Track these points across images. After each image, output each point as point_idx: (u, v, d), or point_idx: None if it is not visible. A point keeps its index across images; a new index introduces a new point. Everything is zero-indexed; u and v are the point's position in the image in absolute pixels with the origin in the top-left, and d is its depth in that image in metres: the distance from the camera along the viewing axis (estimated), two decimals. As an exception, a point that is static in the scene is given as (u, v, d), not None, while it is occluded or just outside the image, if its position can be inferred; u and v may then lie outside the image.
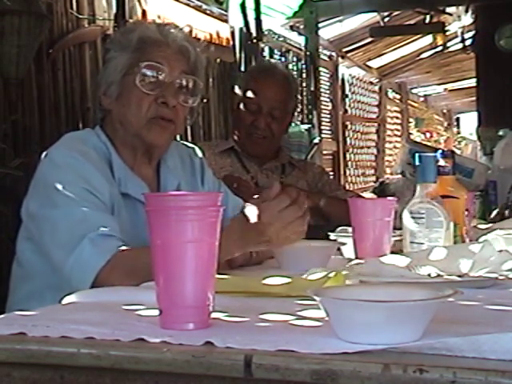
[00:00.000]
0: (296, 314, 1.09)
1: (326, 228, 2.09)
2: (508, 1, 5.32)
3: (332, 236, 1.98)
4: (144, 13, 3.64)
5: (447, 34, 7.31)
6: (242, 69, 4.72)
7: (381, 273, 1.40)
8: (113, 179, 1.77)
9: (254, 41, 4.86)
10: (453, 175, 1.80)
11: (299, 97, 5.66)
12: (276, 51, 6.10)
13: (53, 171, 1.71)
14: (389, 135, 10.86)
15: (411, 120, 12.33)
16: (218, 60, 4.51)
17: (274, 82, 2.75)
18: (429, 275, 1.42)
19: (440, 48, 8.34)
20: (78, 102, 3.19)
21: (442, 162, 1.76)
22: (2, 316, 1.14)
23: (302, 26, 6.23)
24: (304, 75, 6.14)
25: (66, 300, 1.29)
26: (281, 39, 6.34)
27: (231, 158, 2.80)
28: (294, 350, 0.88)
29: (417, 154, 1.69)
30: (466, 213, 1.79)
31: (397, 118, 11.54)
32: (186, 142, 2.19)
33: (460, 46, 7.46)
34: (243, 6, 4.68)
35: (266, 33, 5.52)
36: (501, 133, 4.69)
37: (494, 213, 2.86)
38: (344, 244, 1.81)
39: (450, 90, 12.53)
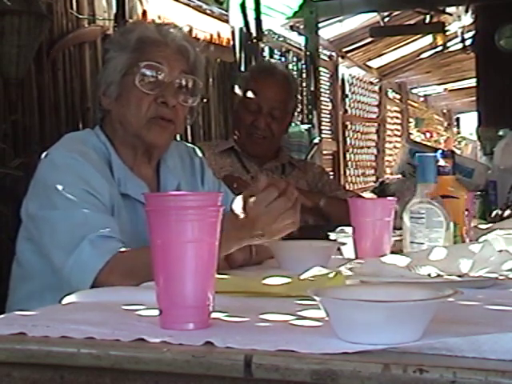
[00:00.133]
0: (296, 314, 1.09)
1: (326, 228, 2.09)
2: (508, 1, 5.32)
3: (332, 236, 1.98)
4: (144, 13, 3.64)
5: (447, 34, 7.31)
6: (242, 69, 4.71)
7: (381, 273, 1.40)
8: (112, 179, 1.77)
9: (254, 41, 4.86)
10: (453, 175, 1.80)
11: (299, 97, 5.66)
12: (276, 51, 6.10)
13: (52, 172, 1.71)
14: (389, 135, 10.86)
15: (411, 120, 12.33)
16: (218, 60, 4.51)
17: (273, 82, 2.75)
18: (429, 275, 1.42)
19: (440, 48, 8.34)
20: (78, 101, 3.19)
21: (442, 162, 1.76)
22: (2, 316, 1.14)
23: (302, 26, 6.23)
24: (304, 75, 6.14)
25: (65, 300, 1.29)
26: (281, 39, 6.34)
27: (231, 157, 2.80)
28: (294, 349, 0.88)
29: (417, 154, 1.69)
30: (466, 213, 1.79)
31: (397, 117, 11.54)
32: (185, 142, 2.20)
33: (460, 46, 7.46)
34: (243, 6, 4.68)
35: (266, 33, 5.52)
36: (501, 133, 4.69)
37: (494, 213, 2.86)
38: (344, 244, 1.81)
39: (450, 90, 12.53)
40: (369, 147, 9.90)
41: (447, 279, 1.39)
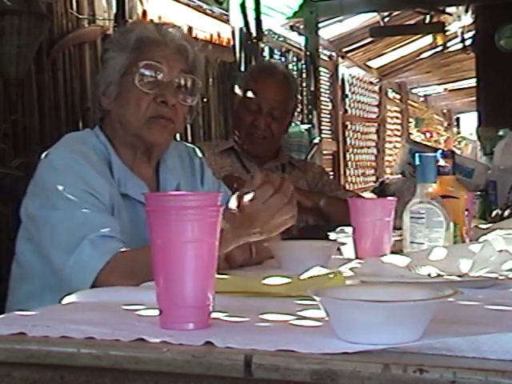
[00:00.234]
0: (296, 314, 1.09)
1: (326, 228, 2.09)
2: (508, 1, 5.32)
3: (332, 236, 1.98)
4: (144, 13, 3.64)
5: (447, 33, 7.31)
6: (242, 69, 4.71)
7: (381, 273, 1.40)
8: (112, 180, 1.77)
9: (254, 41, 4.86)
10: (453, 175, 1.80)
11: (299, 97, 5.66)
12: (276, 51, 6.09)
13: (52, 173, 1.71)
14: (389, 135, 10.86)
15: (411, 120, 12.33)
16: (218, 60, 4.51)
17: (273, 82, 2.75)
18: (429, 275, 1.42)
19: (440, 48, 8.34)
20: (78, 102, 3.19)
21: (442, 162, 1.76)
22: (2, 316, 1.14)
23: (302, 26, 6.23)
24: (304, 75, 6.14)
25: (65, 300, 1.29)
26: (281, 39, 6.34)
27: (231, 157, 2.80)
28: (294, 349, 0.88)
29: (417, 154, 1.69)
30: (466, 213, 1.79)
31: (397, 117, 11.54)
32: (185, 142, 2.20)
33: (460, 46, 7.46)
34: (243, 6, 4.68)
35: (266, 33, 5.52)
36: (501, 133, 4.69)
37: (494, 213, 2.86)
38: (344, 244, 1.81)
39: (450, 90, 12.53)
40: (369, 147, 9.90)
41: (447, 279, 1.39)
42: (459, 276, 1.41)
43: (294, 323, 1.04)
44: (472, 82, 7.66)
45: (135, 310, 1.14)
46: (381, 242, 1.68)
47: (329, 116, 7.93)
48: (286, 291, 1.28)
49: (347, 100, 8.75)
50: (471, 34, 6.68)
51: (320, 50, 6.57)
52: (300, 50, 6.38)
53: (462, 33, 6.97)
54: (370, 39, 8.00)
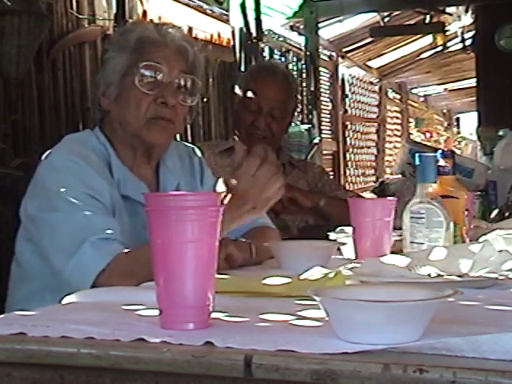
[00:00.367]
0: (296, 314, 1.09)
1: (326, 228, 2.09)
2: (508, 1, 5.32)
3: (332, 236, 1.98)
4: (144, 13, 3.64)
5: (447, 33, 7.31)
6: (242, 69, 4.72)
7: (381, 273, 1.40)
8: (112, 181, 1.77)
9: (254, 41, 4.86)
10: (453, 175, 1.80)
11: (299, 97, 5.66)
12: (276, 51, 6.10)
13: (51, 174, 1.71)
14: (389, 135, 10.86)
15: (411, 120, 12.33)
16: (218, 60, 4.51)
17: (273, 82, 2.75)
18: (429, 275, 1.42)
19: (440, 48, 8.34)
20: (78, 102, 3.19)
21: (442, 162, 1.76)
22: (2, 316, 1.14)
23: (302, 26, 6.23)
24: (304, 75, 6.14)
25: (65, 300, 1.29)
26: (281, 39, 6.34)
27: (231, 157, 2.80)
28: (294, 349, 0.88)
29: (417, 154, 1.69)
30: (466, 213, 1.79)
31: (397, 118, 11.54)
32: (185, 142, 2.20)
33: (460, 46, 7.46)
34: (243, 6, 4.68)
35: (266, 33, 5.52)
36: (501, 133, 4.69)
37: (494, 213, 2.86)
38: (344, 244, 1.81)
39: (450, 90, 12.53)
40: (369, 147, 9.89)
41: (447, 279, 1.39)
42: (459, 276, 1.41)
43: (294, 323, 1.04)
44: (472, 82, 7.66)
45: (135, 310, 1.14)
46: (381, 242, 1.68)
47: (329, 116, 7.93)
48: (286, 291, 1.28)
49: (347, 100, 8.75)
50: (471, 34, 6.68)
51: (320, 50, 6.57)
52: (300, 49, 6.38)
53: (462, 33, 6.97)
54: (370, 39, 8.00)
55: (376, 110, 10.25)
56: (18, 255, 1.81)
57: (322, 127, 6.91)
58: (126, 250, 1.58)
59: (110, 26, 3.37)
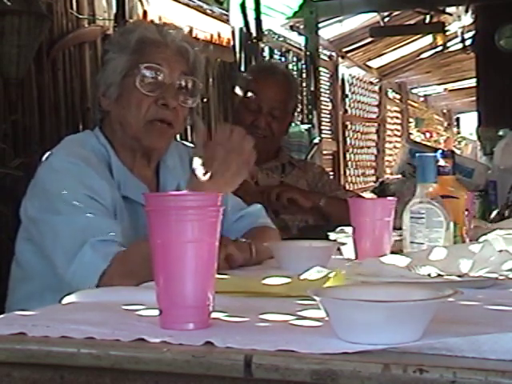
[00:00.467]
0: (296, 314, 1.09)
1: (326, 228, 2.09)
2: (508, 1, 5.32)
3: (332, 236, 1.98)
4: (145, 13, 3.64)
5: (447, 33, 7.31)
6: (242, 69, 4.72)
7: (381, 273, 1.40)
8: (113, 181, 1.77)
9: (254, 41, 4.86)
10: (453, 175, 1.80)
11: (299, 97, 5.66)
12: (276, 51, 6.09)
13: (52, 175, 1.71)
14: (389, 135, 10.86)
15: (411, 120, 12.33)
16: (218, 60, 4.51)
17: (274, 82, 2.75)
18: (429, 275, 1.42)
19: (440, 48, 8.34)
20: (78, 102, 3.18)
21: (442, 162, 1.76)
22: (2, 316, 1.14)
23: (302, 26, 6.23)
24: (304, 75, 6.14)
25: (65, 300, 1.29)
26: (281, 39, 6.34)
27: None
28: (294, 349, 0.88)
29: (417, 154, 1.69)
30: (466, 213, 1.79)
31: (397, 118, 11.53)
32: (185, 142, 2.19)
33: (460, 46, 7.46)
34: (243, 6, 4.68)
35: (266, 33, 5.52)
36: (501, 133, 4.70)
37: (494, 213, 2.86)
38: (344, 244, 1.81)
39: (450, 90, 12.53)
40: (369, 147, 9.89)
41: (447, 279, 1.39)
42: (459, 276, 1.41)
43: (294, 323, 1.04)
44: (472, 82, 7.66)
45: (135, 310, 1.14)
46: (381, 242, 1.68)
47: (329, 116, 7.92)
48: (286, 291, 1.28)
49: (347, 100, 8.75)
50: (471, 34, 6.68)
51: (320, 50, 6.57)
52: (300, 49, 6.38)
53: (462, 33, 6.97)
54: (370, 39, 8.00)
55: (376, 109, 10.25)
56: (18, 255, 1.81)
57: (322, 127, 6.91)
58: (123, 249, 1.57)
59: (109, 26, 3.37)
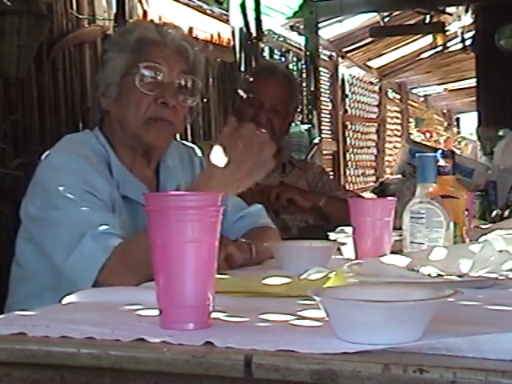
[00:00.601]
0: (296, 313, 1.09)
1: (326, 228, 2.09)
2: (508, 1, 5.32)
3: (332, 236, 1.98)
4: (145, 13, 3.64)
5: (447, 33, 7.31)
6: (242, 69, 4.72)
7: (381, 273, 1.40)
8: (112, 181, 1.77)
9: (254, 41, 4.86)
10: (453, 175, 1.79)
11: (300, 97, 5.66)
12: (276, 51, 6.10)
13: (51, 174, 1.71)
14: (389, 135, 10.86)
15: (411, 120, 12.33)
16: (218, 60, 4.51)
17: (276, 81, 2.76)
18: (429, 275, 1.42)
19: (440, 48, 8.34)
20: (78, 102, 3.19)
21: (442, 162, 1.75)
22: (2, 316, 1.14)
23: (302, 26, 6.23)
24: (304, 75, 6.14)
25: (65, 300, 1.29)
26: (281, 39, 6.34)
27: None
28: (294, 349, 0.88)
29: (417, 154, 1.69)
30: (466, 213, 1.79)
31: (397, 118, 11.54)
32: (185, 142, 2.19)
33: (460, 46, 7.46)
34: (243, 6, 4.68)
35: (266, 33, 5.52)
36: (501, 133, 4.70)
37: (494, 213, 2.86)
38: (344, 244, 1.81)
39: (450, 90, 12.54)
40: (369, 147, 9.90)
41: (447, 279, 1.39)
42: (459, 276, 1.41)
43: (294, 323, 1.04)
44: (472, 82, 7.66)
45: (135, 310, 1.14)
46: (381, 242, 1.68)
47: (329, 116, 7.93)
48: (286, 291, 1.28)
49: (347, 100, 8.75)
50: (471, 33, 6.68)
51: (320, 50, 6.57)
52: (300, 49, 6.38)
53: (462, 33, 6.97)
54: (370, 39, 8.01)
55: (376, 109, 10.25)
56: (18, 256, 1.81)
57: (322, 127, 6.92)
58: (122, 242, 1.57)
59: (109, 26, 3.38)
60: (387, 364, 0.82)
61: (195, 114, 1.93)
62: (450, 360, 0.84)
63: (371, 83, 10.01)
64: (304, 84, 6.10)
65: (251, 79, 2.82)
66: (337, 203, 2.65)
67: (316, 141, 4.70)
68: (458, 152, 8.77)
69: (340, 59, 8.41)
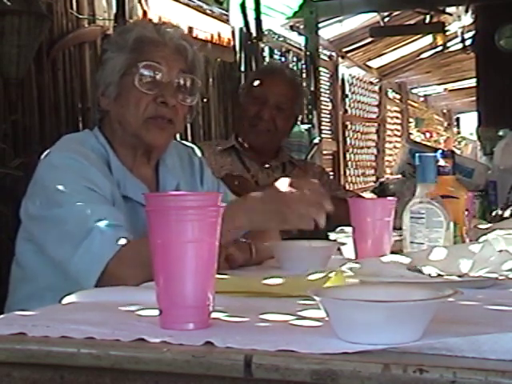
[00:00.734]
0: (296, 313, 1.09)
1: (326, 228, 2.09)
2: (508, 1, 5.32)
3: (332, 236, 1.98)
4: (144, 13, 3.64)
5: (447, 33, 7.31)
6: (242, 69, 4.72)
7: (381, 273, 1.40)
8: (112, 179, 1.77)
9: (254, 41, 4.86)
10: (453, 175, 1.80)
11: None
12: (276, 51, 6.09)
13: (51, 172, 1.70)
14: (389, 135, 10.86)
15: (411, 120, 12.33)
16: (218, 60, 4.51)
17: (282, 80, 2.78)
18: (429, 275, 1.42)
19: (440, 48, 8.34)
20: (78, 102, 3.19)
21: (442, 162, 1.76)
22: (2, 316, 1.14)
23: (302, 26, 6.23)
24: (304, 75, 6.14)
25: (65, 300, 1.29)
26: (281, 39, 6.34)
27: (231, 156, 2.80)
28: (294, 350, 0.88)
29: (417, 154, 1.69)
30: (466, 213, 1.79)
31: (397, 118, 11.53)
32: (184, 142, 2.19)
33: (460, 46, 7.46)
34: (243, 6, 4.68)
35: (266, 33, 5.52)
36: (501, 133, 4.70)
37: (494, 213, 2.86)
38: (344, 244, 1.81)
39: (450, 90, 12.53)
40: (369, 147, 9.89)
41: (447, 279, 1.39)
42: (459, 276, 1.41)
43: (294, 323, 1.04)
44: (472, 82, 7.66)
45: (135, 310, 1.14)
46: (381, 241, 1.68)
47: (329, 116, 7.93)
48: (286, 291, 1.28)
49: (347, 100, 8.75)
50: (471, 34, 6.68)
51: (320, 50, 6.57)
52: (300, 49, 6.38)
53: (462, 33, 6.97)
54: (370, 39, 8.00)
55: (376, 109, 10.25)
56: (18, 256, 1.81)
57: (322, 127, 6.91)
58: (131, 236, 1.58)
59: (109, 25, 3.38)
60: (387, 364, 0.82)
61: (195, 113, 1.93)
62: (450, 360, 0.84)
63: (371, 83, 10.01)
64: (304, 84, 6.09)
65: (259, 75, 2.84)
66: (337, 203, 2.65)
67: (316, 141, 4.70)
68: (458, 152, 8.77)
69: (340, 59, 8.41)
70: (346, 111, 8.69)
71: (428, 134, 12.57)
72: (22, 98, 2.86)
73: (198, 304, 1.03)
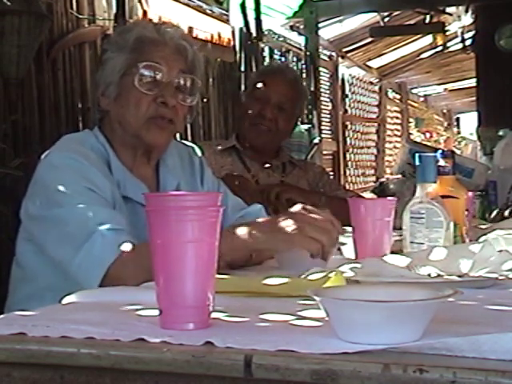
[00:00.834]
0: (296, 313, 1.09)
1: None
2: (508, 1, 5.32)
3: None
4: (145, 13, 3.64)
5: (447, 33, 7.31)
6: (242, 69, 4.72)
7: (381, 273, 1.40)
8: (113, 179, 1.77)
9: (254, 41, 4.87)
10: (453, 175, 1.80)
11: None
12: (276, 51, 6.09)
13: (51, 172, 1.70)
14: (389, 135, 10.86)
15: (411, 120, 12.33)
16: (218, 60, 4.51)
17: (284, 80, 2.79)
18: (429, 275, 1.42)
19: (440, 48, 8.34)
20: (78, 102, 3.19)
21: (442, 162, 1.76)
22: (2, 316, 1.14)
23: (302, 26, 6.23)
24: (304, 75, 6.14)
25: (65, 300, 1.29)
26: (281, 39, 6.34)
27: (232, 156, 2.80)
28: (294, 350, 0.88)
29: (417, 154, 1.69)
30: (466, 213, 1.79)
31: (397, 118, 11.54)
32: (185, 141, 2.19)
33: (460, 46, 7.46)
34: (243, 6, 4.68)
35: (266, 33, 5.52)
36: (501, 133, 4.70)
37: (494, 213, 2.86)
38: (344, 244, 1.81)
39: (450, 90, 12.54)
40: (369, 147, 9.90)
41: (447, 279, 1.39)
42: (459, 276, 1.41)
43: (294, 323, 1.04)
44: (472, 82, 7.66)
45: (135, 310, 1.14)
46: (381, 241, 1.68)
47: (329, 116, 7.93)
48: (286, 291, 1.28)
49: (347, 100, 8.75)
50: (471, 34, 6.68)
51: (320, 50, 6.57)
52: (300, 49, 6.38)
53: (462, 33, 6.97)
54: (370, 39, 8.01)
55: (376, 109, 10.26)
56: (18, 256, 1.81)
57: (322, 127, 6.91)
58: (134, 243, 1.57)
59: (109, 25, 3.38)
60: (387, 364, 0.82)
61: (195, 113, 1.93)
62: (450, 360, 0.84)
63: (371, 83, 10.01)
64: (304, 84, 6.10)
65: (262, 75, 2.85)
66: (337, 203, 2.65)
67: (316, 141, 4.70)
68: (458, 152, 8.77)
69: (340, 59, 8.42)
70: (346, 111, 8.69)
71: (428, 134, 12.57)
72: (22, 98, 2.86)
73: (198, 304, 1.03)
